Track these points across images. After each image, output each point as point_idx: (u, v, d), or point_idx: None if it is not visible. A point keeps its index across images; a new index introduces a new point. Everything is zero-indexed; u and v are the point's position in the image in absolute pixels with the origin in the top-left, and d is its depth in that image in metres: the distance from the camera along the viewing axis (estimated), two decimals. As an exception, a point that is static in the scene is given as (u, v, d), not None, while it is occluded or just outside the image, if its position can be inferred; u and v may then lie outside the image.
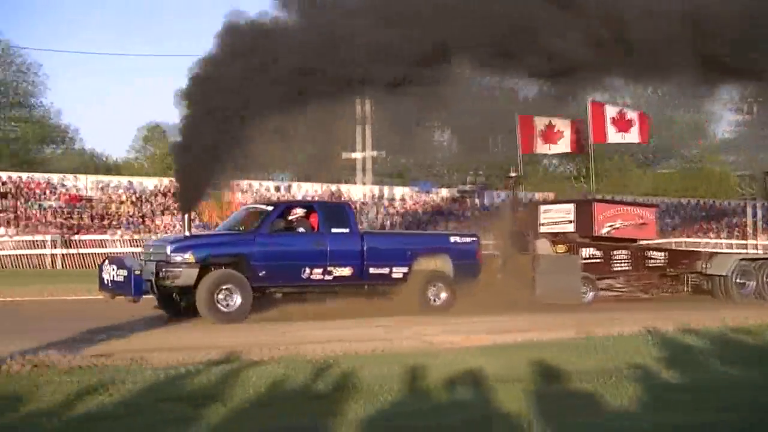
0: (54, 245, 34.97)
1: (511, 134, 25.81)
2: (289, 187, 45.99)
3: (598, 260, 20.32)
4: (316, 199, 39.34)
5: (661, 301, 20.51)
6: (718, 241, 45.68)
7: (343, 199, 43.77)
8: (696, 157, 73.58)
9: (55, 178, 42.08)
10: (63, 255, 35.05)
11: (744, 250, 38.03)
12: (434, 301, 17.02)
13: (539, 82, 19.70)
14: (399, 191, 50.30)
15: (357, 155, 48.75)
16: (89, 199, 40.58)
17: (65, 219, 37.59)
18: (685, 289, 21.77)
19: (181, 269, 14.76)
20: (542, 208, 22.38)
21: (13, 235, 35.47)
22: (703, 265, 21.43)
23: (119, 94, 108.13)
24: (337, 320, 14.95)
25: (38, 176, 42.17)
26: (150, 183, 44.10)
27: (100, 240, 36.22)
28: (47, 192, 40.09)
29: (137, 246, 31.87)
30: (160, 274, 14.77)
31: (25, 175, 41.69)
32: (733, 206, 54.89)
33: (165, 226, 38.49)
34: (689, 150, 73.73)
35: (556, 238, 20.57)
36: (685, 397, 8.26)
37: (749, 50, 17.03)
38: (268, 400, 7.88)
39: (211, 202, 40.03)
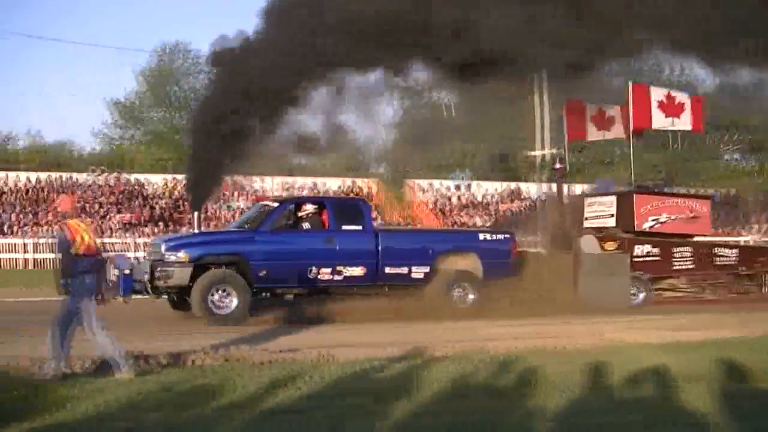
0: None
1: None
2: (469, 186, 45.86)
3: (655, 258, 18.70)
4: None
5: (735, 303, 18.42)
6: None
7: (522, 197, 43.19)
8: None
9: (242, 179, 43.41)
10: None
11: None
12: (461, 302, 15.73)
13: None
14: (578, 188, 48.87)
15: (536, 153, 48.05)
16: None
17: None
18: (764, 289, 19.76)
19: (173, 269, 14.20)
20: (587, 200, 20.65)
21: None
22: None
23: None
24: (511, 318, 14.52)
25: (226, 178, 43.37)
26: (333, 183, 44.92)
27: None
28: (235, 194, 41.55)
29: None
30: (155, 273, 14.23)
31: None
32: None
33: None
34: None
35: (600, 234, 18.90)
36: None
37: None
38: (451, 396, 7.95)
39: (394, 201, 40.61)
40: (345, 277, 15.23)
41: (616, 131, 21.76)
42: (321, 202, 16.41)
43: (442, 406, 7.53)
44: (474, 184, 46.15)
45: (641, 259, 18.48)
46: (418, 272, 15.74)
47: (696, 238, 20.04)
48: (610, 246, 18.53)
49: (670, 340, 11.61)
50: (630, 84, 20.56)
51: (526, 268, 16.85)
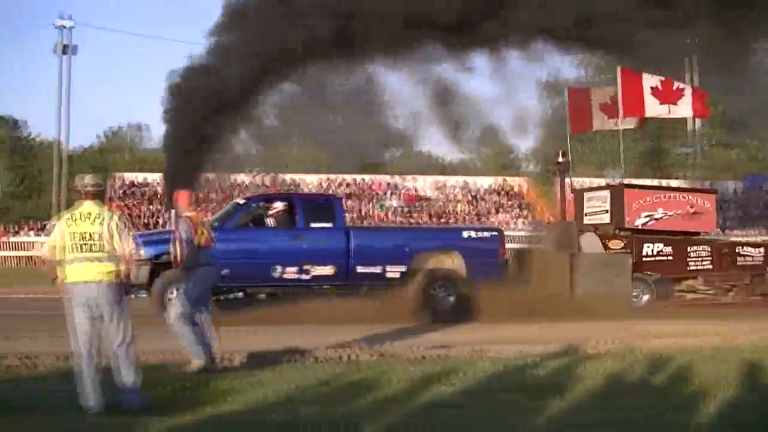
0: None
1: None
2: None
3: (667, 258, 17.26)
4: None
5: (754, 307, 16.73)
6: None
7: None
8: None
9: (396, 179, 43.95)
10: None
11: None
12: (440, 304, 14.95)
13: None
14: (731, 185, 46.67)
15: (687, 150, 46.66)
16: (428, 199, 42.07)
17: (405, 218, 39.22)
18: None
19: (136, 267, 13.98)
20: (586, 195, 19.01)
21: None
22: None
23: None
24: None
25: (380, 178, 44.33)
26: (485, 182, 44.88)
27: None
28: (388, 193, 42.06)
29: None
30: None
31: (367, 177, 44.03)
32: None
33: (499, 223, 39.05)
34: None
35: (598, 230, 17.57)
36: None
37: None
38: (606, 393, 7.79)
39: (543, 198, 40.25)
40: (313, 276, 14.74)
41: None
42: (290, 199, 15.98)
43: (596, 403, 7.40)
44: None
45: (651, 259, 17.23)
46: (394, 272, 15.01)
47: (713, 236, 18.59)
48: (615, 245, 17.32)
49: None
50: (618, 68, 19.12)
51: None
